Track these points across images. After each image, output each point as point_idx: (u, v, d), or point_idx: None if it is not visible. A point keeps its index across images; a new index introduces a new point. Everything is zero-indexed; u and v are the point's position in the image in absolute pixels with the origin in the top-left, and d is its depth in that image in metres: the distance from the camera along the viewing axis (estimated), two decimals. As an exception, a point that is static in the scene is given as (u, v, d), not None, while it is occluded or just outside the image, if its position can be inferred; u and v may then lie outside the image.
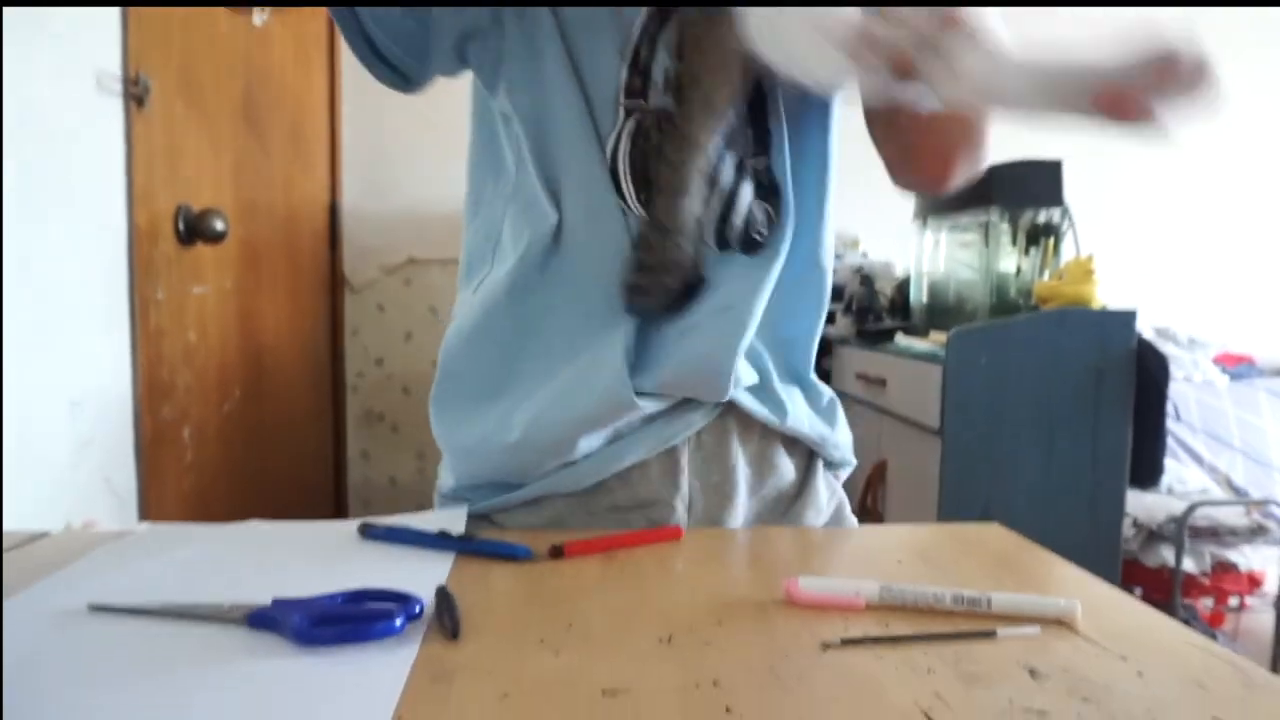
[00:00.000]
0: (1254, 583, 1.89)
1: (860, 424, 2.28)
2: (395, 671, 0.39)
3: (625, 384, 0.62)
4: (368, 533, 0.60)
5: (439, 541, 0.58)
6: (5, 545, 0.58)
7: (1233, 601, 1.90)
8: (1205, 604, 1.90)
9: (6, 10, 1.12)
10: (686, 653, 0.42)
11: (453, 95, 2.64)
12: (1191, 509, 1.77)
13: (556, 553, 0.57)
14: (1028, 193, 1.93)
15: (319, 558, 0.56)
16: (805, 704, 0.37)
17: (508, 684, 0.38)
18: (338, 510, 2.61)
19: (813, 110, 0.71)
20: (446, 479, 0.74)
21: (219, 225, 1.63)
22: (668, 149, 0.62)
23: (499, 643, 0.43)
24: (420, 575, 0.52)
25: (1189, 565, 1.84)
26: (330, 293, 2.55)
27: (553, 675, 0.39)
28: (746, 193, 0.65)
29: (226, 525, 0.62)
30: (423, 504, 0.80)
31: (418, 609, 0.45)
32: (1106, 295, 1.78)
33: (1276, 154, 2.89)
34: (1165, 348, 2.27)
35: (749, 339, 0.65)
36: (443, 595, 0.47)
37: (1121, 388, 1.74)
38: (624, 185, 0.64)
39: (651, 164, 0.63)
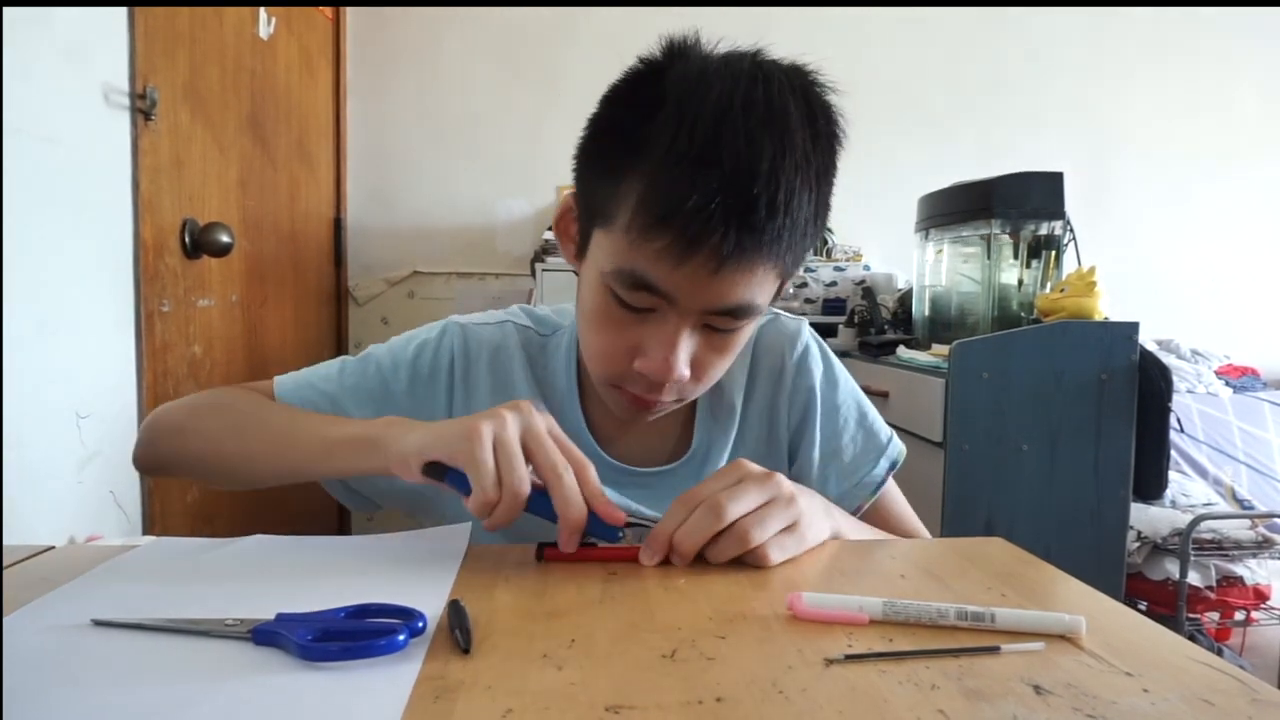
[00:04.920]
0: (1260, 596, 1.88)
1: (863, 436, 2.28)
2: (398, 688, 0.39)
3: None
4: (430, 472, 0.58)
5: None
6: (9, 559, 0.58)
7: (1239, 615, 1.89)
8: (1211, 618, 1.89)
9: (15, 22, 1.13)
10: (690, 668, 0.41)
11: (458, 110, 2.66)
12: (1196, 522, 1.76)
13: (540, 551, 0.59)
14: (1029, 205, 1.93)
15: (322, 572, 0.56)
16: (809, 720, 0.37)
17: (511, 700, 0.38)
18: (341, 524, 2.60)
19: None
20: None
21: (224, 239, 1.64)
22: None
23: (502, 658, 0.42)
24: (424, 589, 0.52)
25: (1194, 579, 1.83)
26: (334, 306, 2.56)
27: (556, 691, 0.39)
28: None
29: (230, 540, 0.62)
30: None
31: (421, 624, 0.45)
32: (1108, 307, 1.78)
33: (1279, 164, 2.90)
34: (1168, 360, 2.27)
35: None
36: (455, 609, 0.47)
37: (1124, 400, 1.74)
38: None
39: None
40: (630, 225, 0.60)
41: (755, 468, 0.60)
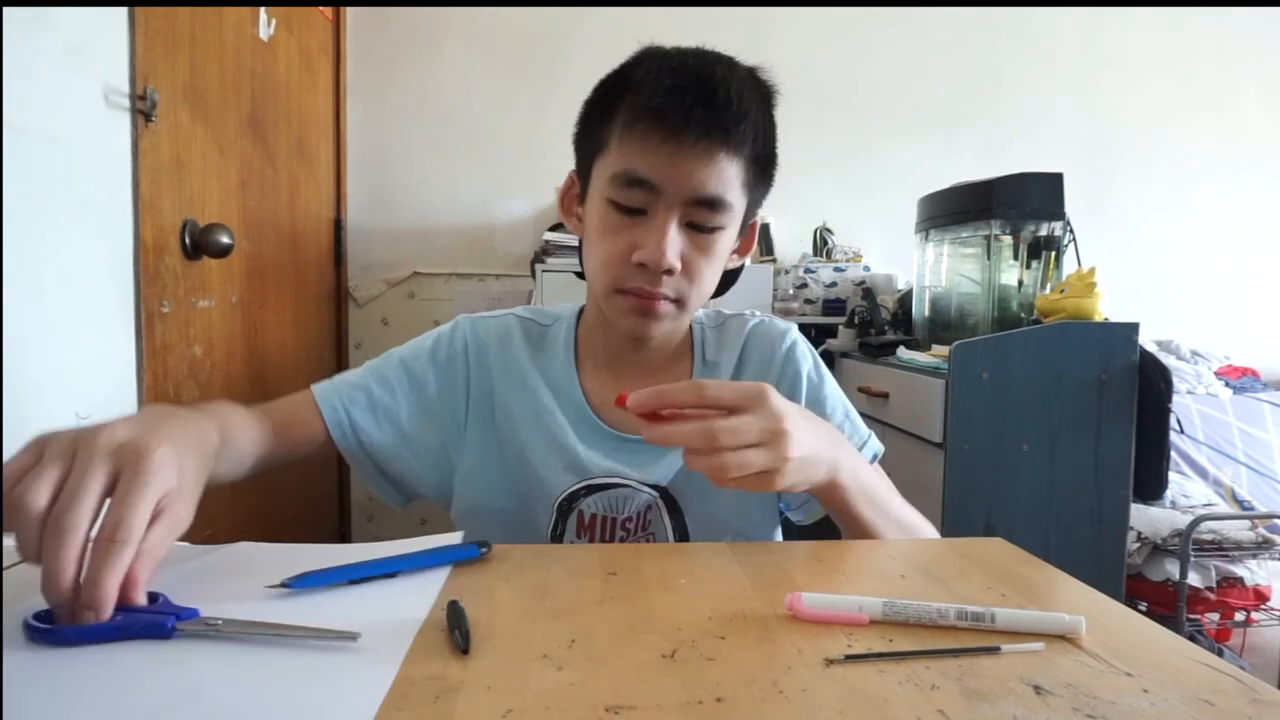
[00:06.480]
0: (1260, 597, 1.88)
1: (863, 437, 2.28)
2: (376, 688, 0.39)
3: None
4: (290, 584, 0.52)
5: (380, 566, 0.55)
6: (9, 560, 0.58)
7: (1239, 616, 1.89)
8: (1211, 619, 1.89)
9: (15, 22, 1.13)
10: (689, 668, 0.42)
11: (459, 111, 2.65)
12: (1196, 523, 1.76)
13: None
14: (1029, 206, 1.94)
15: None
16: (809, 720, 0.37)
17: (511, 700, 0.38)
18: (341, 524, 2.60)
19: None
20: None
21: (225, 239, 1.64)
22: None
23: (501, 659, 0.42)
24: (417, 592, 0.52)
25: (1194, 579, 1.83)
26: (334, 306, 2.56)
27: (556, 691, 0.39)
28: None
29: (215, 546, 0.62)
30: (425, 517, 0.81)
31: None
32: (1108, 308, 1.78)
33: (1279, 164, 2.90)
34: (1168, 360, 2.27)
35: None
36: (454, 609, 0.47)
37: (1124, 401, 1.74)
38: None
39: None
40: (620, 131, 0.73)
41: (775, 405, 0.59)
